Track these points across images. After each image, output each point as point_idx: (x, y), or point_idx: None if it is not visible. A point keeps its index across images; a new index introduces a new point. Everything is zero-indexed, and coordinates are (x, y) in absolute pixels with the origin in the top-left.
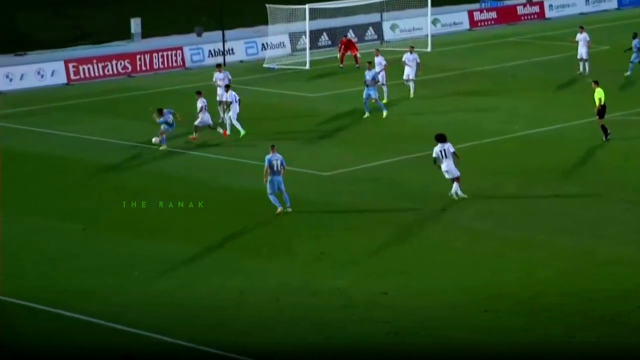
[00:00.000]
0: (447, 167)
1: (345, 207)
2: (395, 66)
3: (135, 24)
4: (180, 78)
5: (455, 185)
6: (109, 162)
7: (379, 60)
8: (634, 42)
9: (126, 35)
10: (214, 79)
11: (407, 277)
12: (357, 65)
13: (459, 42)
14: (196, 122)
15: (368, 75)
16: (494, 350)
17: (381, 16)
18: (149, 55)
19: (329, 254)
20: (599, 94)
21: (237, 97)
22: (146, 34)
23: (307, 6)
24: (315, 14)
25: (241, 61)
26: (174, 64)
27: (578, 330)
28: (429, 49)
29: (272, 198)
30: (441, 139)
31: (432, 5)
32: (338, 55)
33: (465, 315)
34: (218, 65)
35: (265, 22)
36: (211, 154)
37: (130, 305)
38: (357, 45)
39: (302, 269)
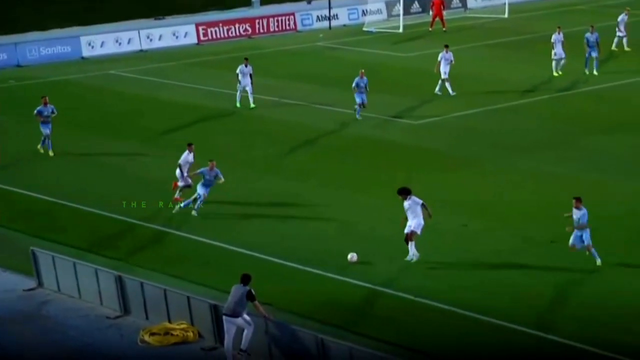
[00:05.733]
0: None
1: (436, 151)
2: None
3: None
4: (292, 39)
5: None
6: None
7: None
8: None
9: (247, 2)
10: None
11: None
12: (444, 29)
13: (531, 10)
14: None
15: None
16: None
17: None
18: (266, 19)
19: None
20: None
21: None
22: (265, 1)
23: None
24: None
25: (344, 25)
26: (287, 27)
27: None
28: (505, 15)
29: None
30: (404, 192)
31: None
32: (431, 13)
33: None
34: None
35: None
36: None
37: None
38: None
39: None
